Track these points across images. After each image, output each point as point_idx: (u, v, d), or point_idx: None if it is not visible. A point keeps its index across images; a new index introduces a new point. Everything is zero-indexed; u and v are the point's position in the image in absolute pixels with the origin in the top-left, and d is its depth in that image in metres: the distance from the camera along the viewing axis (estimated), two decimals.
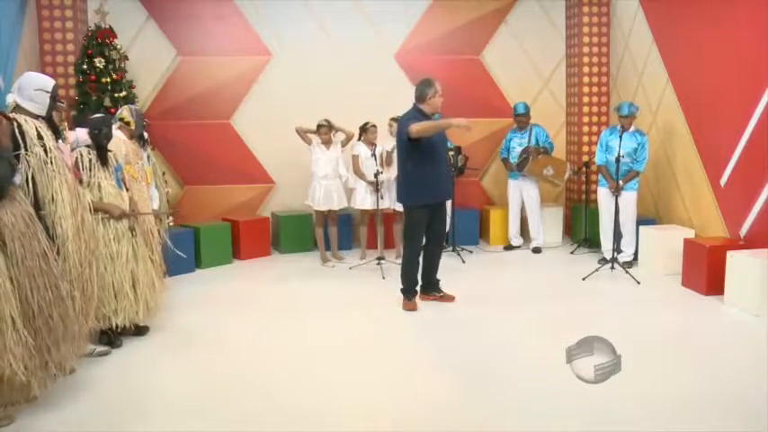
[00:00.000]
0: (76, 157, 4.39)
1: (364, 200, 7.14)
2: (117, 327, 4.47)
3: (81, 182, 4.28)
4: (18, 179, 3.43)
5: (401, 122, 5.39)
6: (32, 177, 3.55)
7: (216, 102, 8.06)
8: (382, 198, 6.89)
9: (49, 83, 3.90)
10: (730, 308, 5.30)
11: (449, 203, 7.68)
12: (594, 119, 8.36)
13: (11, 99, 3.85)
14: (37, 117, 3.76)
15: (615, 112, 6.78)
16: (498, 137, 8.25)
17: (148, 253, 4.67)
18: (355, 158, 7.14)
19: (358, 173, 7.13)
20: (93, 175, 4.40)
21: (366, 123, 7.11)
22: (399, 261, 7.06)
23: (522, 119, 7.57)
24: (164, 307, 5.04)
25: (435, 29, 8.38)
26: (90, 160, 4.41)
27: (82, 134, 4.49)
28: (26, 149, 3.55)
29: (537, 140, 7.54)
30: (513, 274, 6.86)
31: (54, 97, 3.89)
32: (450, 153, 7.35)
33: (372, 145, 7.05)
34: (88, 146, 4.47)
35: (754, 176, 5.67)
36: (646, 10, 7.45)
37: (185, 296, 5.77)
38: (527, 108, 7.60)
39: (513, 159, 7.61)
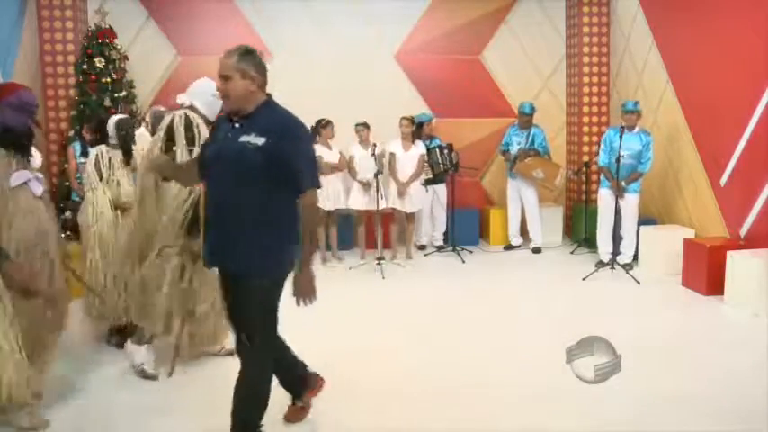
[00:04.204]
0: (96, 155, 4.47)
1: (355, 199, 7.14)
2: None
3: None
4: (39, 190, 3.45)
5: None
6: None
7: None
8: (382, 198, 6.89)
9: None
10: (730, 308, 5.29)
11: (432, 211, 7.73)
12: (594, 119, 8.36)
13: (184, 99, 4.10)
14: (206, 122, 3.96)
15: (621, 110, 6.73)
16: (498, 137, 8.24)
17: None
18: (351, 159, 7.15)
19: (352, 172, 7.15)
20: (112, 173, 4.48)
21: (358, 123, 7.13)
22: (399, 262, 7.11)
23: (526, 119, 7.57)
24: None
25: (435, 29, 8.38)
26: (110, 159, 4.49)
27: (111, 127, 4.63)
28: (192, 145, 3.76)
29: (533, 142, 7.54)
30: (513, 274, 6.85)
31: None
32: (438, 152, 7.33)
33: (373, 145, 7.04)
34: (111, 145, 4.55)
35: (754, 176, 5.67)
36: (646, 10, 7.45)
37: None
38: (533, 109, 7.59)
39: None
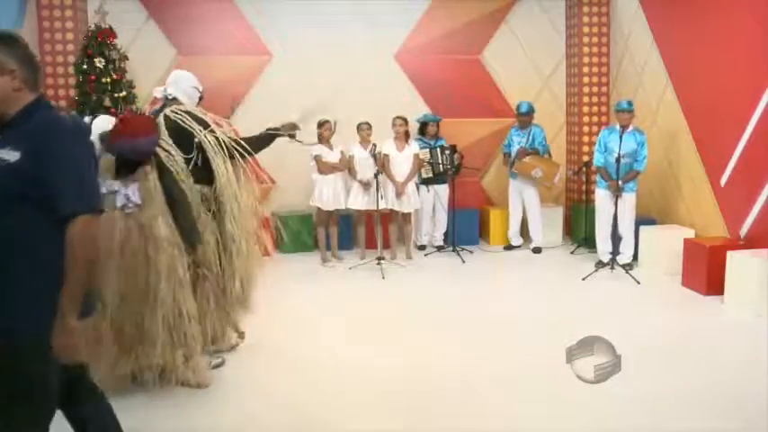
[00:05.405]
0: None
1: (355, 199, 7.14)
2: None
3: None
4: (120, 202, 3.51)
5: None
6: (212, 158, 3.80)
7: (216, 102, 8.03)
8: (382, 198, 6.89)
9: (199, 83, 4.27)
10: (730, 308, 5.30)
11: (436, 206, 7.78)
12: (594, 119, 8.36)
13: (166, 92, 4.10)
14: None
15: (614, 108, 6.76)
16: (498, 137, 8.26)
17: None
18: (351, 159, 7.15)
19: (352, 172, 7.15)
20: None
21: (361, 123, 7.14)
22: (399, 262, 7.11)
23: (524, 118, 7.58)
24: None
25: (435, 29, 8.38)
26: None
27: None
28: (207, 128, 3.82)
29: (533, 141, 7.54)
30: (513, 274, 6.86)
31: (200, 97, 4.26)
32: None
33: (373, 145, 7.03)
34: None
35: (754, 176, 5.67)
36: (646, 10, 7.45)
37: None
38: (530, 108, 7.60)
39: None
